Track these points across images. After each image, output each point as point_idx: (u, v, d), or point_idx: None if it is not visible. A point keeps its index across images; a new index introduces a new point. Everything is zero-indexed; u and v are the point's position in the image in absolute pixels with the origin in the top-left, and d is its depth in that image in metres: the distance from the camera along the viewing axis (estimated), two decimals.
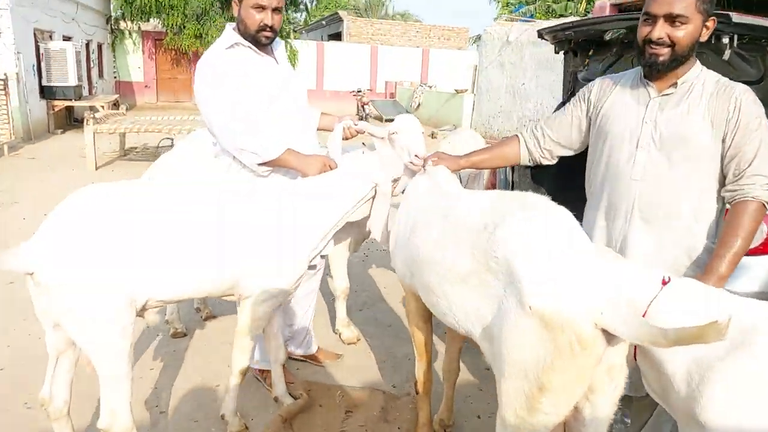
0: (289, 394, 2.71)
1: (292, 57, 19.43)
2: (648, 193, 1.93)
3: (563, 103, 3.44)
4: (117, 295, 1.88)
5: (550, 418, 1.45)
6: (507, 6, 23.14)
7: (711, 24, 1.85)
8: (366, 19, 25.27)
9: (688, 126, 1.86)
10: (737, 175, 1.82)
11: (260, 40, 2.44)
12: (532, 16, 19.95)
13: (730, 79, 2.45)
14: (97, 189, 1.98)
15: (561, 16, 17.64)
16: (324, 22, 26.20)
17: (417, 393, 2.36)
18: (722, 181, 1.89)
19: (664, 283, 1.56)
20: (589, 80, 3.23)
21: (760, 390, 1.35)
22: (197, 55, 19.34)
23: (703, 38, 1.86)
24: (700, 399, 1.43)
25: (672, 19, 1.79)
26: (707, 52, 2.49)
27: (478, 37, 26.49)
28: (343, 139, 2.76)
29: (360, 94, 18.64)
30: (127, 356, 1.95)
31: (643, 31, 1.86)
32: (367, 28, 24.14)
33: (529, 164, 2.29)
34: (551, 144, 2.21)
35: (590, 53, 3.13)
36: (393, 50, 22.15)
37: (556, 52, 3.31)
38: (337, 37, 24.82)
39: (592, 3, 18.90)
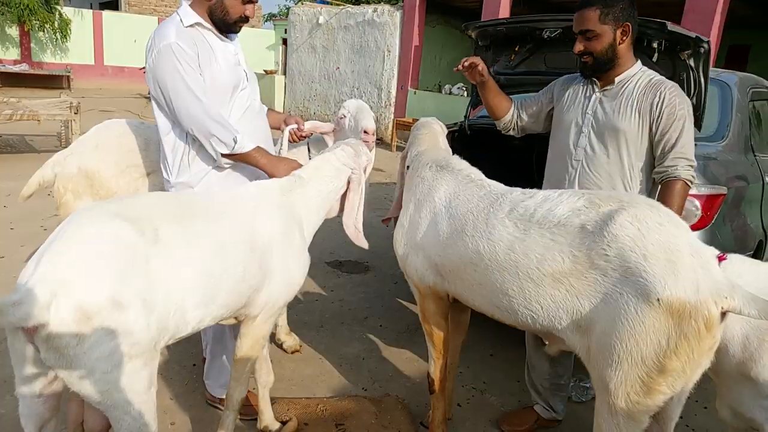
0: (276, 419, 2.46)
1: (64, 27, 16.79)
2: (585, 171, 2.31)
3: (475, 94, 3.63)
4: (149, 337, 1.51)
5: (663, 397, 1.58)
6: None
7: (627, 29, 2.21)
8: None
9: (618, 117, 2.23)
10: (663, 157, 2.20)
11: (236, 29, 2.30)
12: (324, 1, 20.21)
13: None
14: (102, 212, 1.55)
15: (358, 1, 18.18)
16: None
17: (432, 392, 2.32)
18: (652, 162, 2.27)
19: (721, 259, 1.80)
20: (501, 73, 3.53)
21: None
22: None
23: (623, 42, 2.22)
24: (759, 359, 1.69)
25: (585, 34, 2.21)
26: (639, 53, 2.87)
27: (272, 15, 25.99)
28: (289, 142, 2.62)
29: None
30: (154, 410, 1.59)
31: (574, 47, 2.28)
32: None
33: (504, 126, 2.64)
34: (523, 120, 2.61)
35: (516, 48, 3.32)
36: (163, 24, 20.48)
37: (477, 46, 3.43)
38: (110, 6, 22.02)
39: None
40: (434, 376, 2.29)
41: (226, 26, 2.24)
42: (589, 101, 2.32)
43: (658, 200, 2.14)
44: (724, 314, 1.52)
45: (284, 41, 15.96)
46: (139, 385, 1.52)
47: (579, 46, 2.24)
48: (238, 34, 2.38)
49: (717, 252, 1.83)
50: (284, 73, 14.99)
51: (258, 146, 2.23)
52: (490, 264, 1.83)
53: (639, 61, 2.32)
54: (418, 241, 2.14)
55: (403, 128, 10.52)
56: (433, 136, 2.48)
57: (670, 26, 2.62)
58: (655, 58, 2.81)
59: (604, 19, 2.17)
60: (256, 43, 20.38)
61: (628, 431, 1.61)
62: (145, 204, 1.69)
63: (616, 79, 2.26)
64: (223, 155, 2.19)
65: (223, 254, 1.77)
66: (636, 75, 2.27)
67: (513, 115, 2.60)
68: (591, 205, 1.70)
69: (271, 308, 2.02)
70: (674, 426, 1.82)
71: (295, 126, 2.67)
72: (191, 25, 2.17)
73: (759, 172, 3.28)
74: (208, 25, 2.21)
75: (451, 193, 2.09)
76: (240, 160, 2.25)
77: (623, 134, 2.23)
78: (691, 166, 2.17)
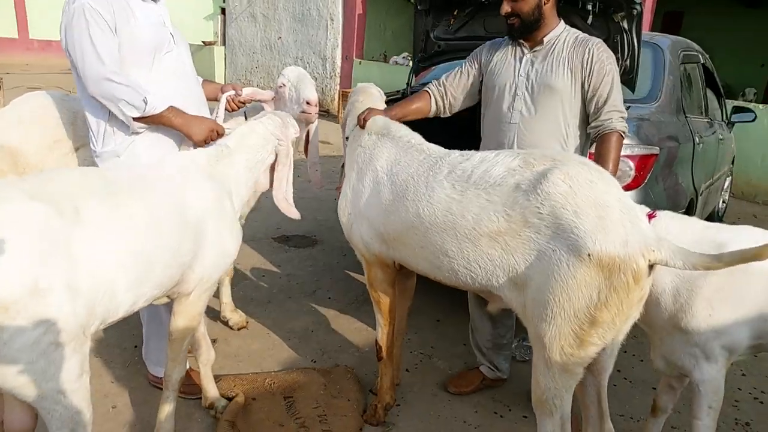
0: (222, 396, 2.43)
1: None
2: (523, 133, 2.33)
3: (417, 60, 3.59)
4: (77, 321, 1.43)
5: (596, 349, 1.64)
6: None
7: None
8: None
9: (551, 76, 2.28)
10: (597, 112, 2.26)
11: None
12: None
13: None
14: (14, 193, 1.42)
15: None
16: None
17: (380, 359, 2.32)
18: (585, 119, 2.34)
19: (651, 216, 1.86)
20: (441, 39, 3.50)
21: (733, 297, 1.74)
22: None
23: (548, 2, 2.25)
24: (688, 310, 1.76)
25: None
26: (574, 16, 2.89)
27: None
28: (226, 110, 2.52)
29: None
30: (87, 398, 1.52)
31: (501, 8, 2.29)
32: None
33: (433, 116, 2.56)
34: (452, 99, 2.54)
35: (455, 13, 3.28)
36: None
37: (417, 11, 3.37)
38: None
39: None
40: (382, 343, 2.30)
41: None
42: (521, 63, 2.34)
43: (596, 153, 2.25)
44: (651, 267, 1.57)
45: (222, 10, 15.36)
46: (69, 373, 1.44)
47: (506, 8, 2.25)
48: None
49: (647, 209, 1.90)
50: (224, 44, 14.47)
51: (171, 106, 2.12)
52: (431, 227, 1.84)
53: (562, 20, 2.36)
54: (361, 209, 2.12)
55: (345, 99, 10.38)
56: (371, 102, 2.44)
57: None
58: (589, 20, 2.84)
59: None
60: (193, 12, 19.54)
61: (564, 383, 1.66)
62: (63, 181, 1.57)
63: (545, 39, 2.29)
64: (135, 119, 2.09)
65: (154, 231, 1.69)
66: (562, 34, 2.31)
67: (436, 105, 2.54)
68: (525, 164, 1.71)
69: (205, 284, 1.96)
70: (608, 377, 1.89)
71: (232, 92, 2.55)
72: None
73: (690, 133, 3.40)
74: None
75: (392, 159, 2.07)
76: (153, 123, 2.14)
77: (558, 93, 2.27)
78: (623, 117, 2.25)
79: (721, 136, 4.43)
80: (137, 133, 2.17)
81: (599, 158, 2.23)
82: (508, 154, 1.79)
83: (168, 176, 1.88)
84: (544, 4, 2.24)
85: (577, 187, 1.60)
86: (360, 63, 11.32)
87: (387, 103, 3.60)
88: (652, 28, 8.34)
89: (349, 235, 2.22)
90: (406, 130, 2.18)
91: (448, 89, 2.53)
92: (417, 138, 2.14)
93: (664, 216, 1.89)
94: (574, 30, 2.35)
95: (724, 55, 9.91)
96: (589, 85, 2.24)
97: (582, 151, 2.40)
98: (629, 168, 2.72)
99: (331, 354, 2.91)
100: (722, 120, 4.87)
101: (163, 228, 1.71)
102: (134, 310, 1.70)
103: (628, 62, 2.84)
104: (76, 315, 1.42)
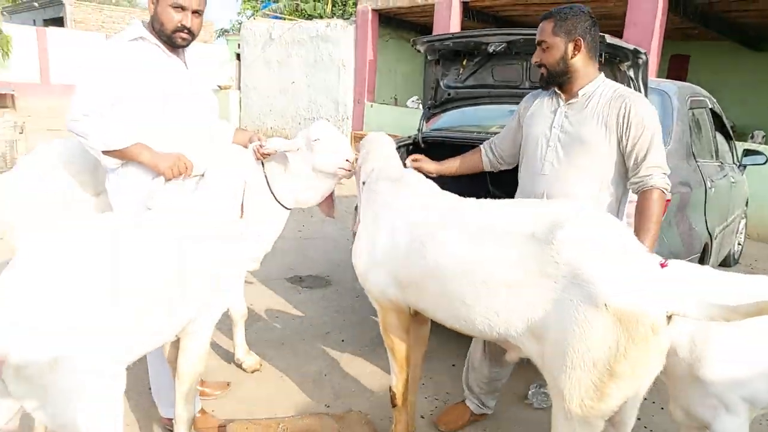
0: None
1: (5, 44, 16.22)
2: (552, 184, 2.31)
3: (428, 107, 3.69)
4: (112, 361, 1.53)
5: (616, 402, 1.62)
6: (248, 1, 22.87)
7: (578, 44, 2.25)
8: (94, 4, 22.27)
9: (585, 130, 2.25)
10: (636, 168, 2.21)
11: (176, 41, 2.24)
12: (276, 16, 20.17)
13: None
14: (68, 231, 1.59)
15: (310, 16, 18.21)
16: (37, 4, 22.31)
17: (394, 406, 2.31)
18: (621, 172, 2.29)
19: (663, 266, 1.86)
20: (451, 87, 3.59)
21: (749, 349, 1.74)
22: None
23: (575, 56, 2.26)
24: (704, 359, 1.76)
25: (540, 45, 2.28)
26: None
27: (225, 31, 25.75)
28: (257, 159, 2.59)
29: None
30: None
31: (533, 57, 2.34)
32: (96, 14, 21.39)
33: (491, 170, 2.67)
34: (501, 152, 2.63)
35: (464, 62, 3.39)
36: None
37: (427, 60, 3.48)
38: (55, 22, 21.40)
39: (337, 5, 19.99)
40: (396, 390, 2.29)
41: (167, 38, 2.22)
42: (555, 115, 2.34)
43: (636, 210, 2.20)
44: (669, 317, 1.57)
45: (238, 56, 15.83)
46: (105, 409, 1.51)
47: (535, 57, 2.32)
48: (190, 49, 2.37)
49: (660, 259, 1.91)
50: (239, 89, 14.85)
51: (138, 143, 2.20)
52: (448, 275, 1.85)
53: (602, 74, 2.34)
54: (377, 255, 2.14)
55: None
56: (384, 150, 2.50)
57: (609, 39, 2.72)
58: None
59: (556, 32, 2.22)
60: (210, 58, 20.14)
61: None
62: (101, 229, 1.67)
63: (580, 92, 2.28)
64: (105, 153, 2.18)
65: (175, 282, 1.79)
66: (600, 87, 2.29)
67: (488, 158, 2.65)
68: (540, 214, 1.74)
69: (207, 323, 2.06)
70: (630, 430, 1.87)
71: (257, 143, 2.60)
72: (134, 39, 2.19)
73: (701, 177, 3.43)
74: (153, 39, 2.22)
75: (407, 206, 2.10)
76: (122, 157, 2.23)
77: (590, 146, 2.24)
78: (665, 173, 2.20)
79: (733, 179, 4.46)
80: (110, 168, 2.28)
81: (640, 215, 2.18)
82: (522, 203, 1.83)
83: (177, 231, 1.97)
84: (571, 57, 2.24)
85: (592, 237, 1.61)
86: (371, 106, 11.55)
87: (398, 149, 3.70)
88: (659, 71, 8.48)
89: (364, 281, 2.23)
90: (420, 178, 2.23)
91: (497, 144, 2.64)
92: (431, 185, 2.18)
93: (676, 265, 1.90)
94: (615, 84, 2.33)
95: (731, 97, 10.01)
96: (627, 140, 2.19)
97: (618, 205, 2.35)
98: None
99: (345, 398, 2.89)
100: (733, 163, 4.89)
101: (180, 278, 1.82)
102: (154, 348, 1.77)
103: None
104: (114, 356, 1.50)
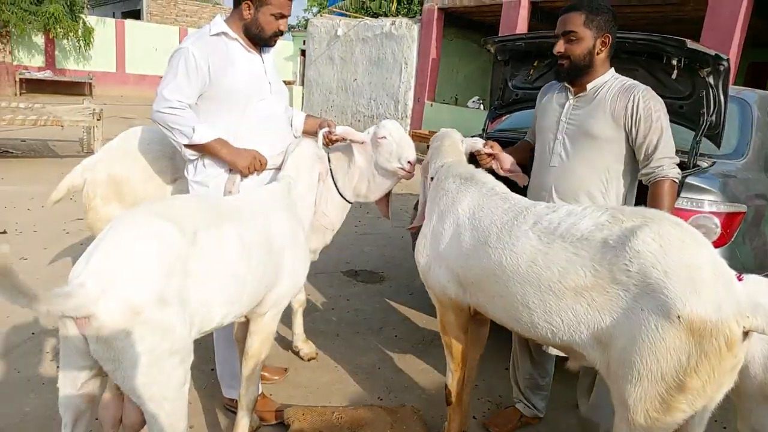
0: (281, 422, 2.53)
1: (87, 36, 17.14)
2: (560, 176, 2.34)
3: (494, 107, 3.68)
4: (186, 332, 1.61)
5: (682, 416, 1.58)
6: None
7: (607, 40, 2.23)
8: None
9: (592, 122, 2.25)
10: (647, 159, 2.19)
11: (271, 43, 2.43)
12: (342, 13, 20.41)
13: (663, 94, 2.91)
14: (148, 214, 1.67)
15: (375, 13, 18.36)
16: None
17: (449, 404, 2.33)
18: (629, 164, 2.28)
19: (739, 279, 1.80)
20: (519, 87, 3.56)
21: None
22: None
23: (601, 53, 2.24)
24: None
25: (567, 36, 2.23)
26: (658, 71, 2.89)
27: (291, 27, 26.27)
28: (324, 145, 2.64)
29: None
30: (185, 407, 1.68)
31: (554, 47, 2.29)
32: (171, 8, 22.30)
33: None
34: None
35: (535, 63, 3.35)
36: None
37: (496, 61, 3.47)
38: (133, 15, 22.45)
39: (402, 3, 20.05)
40: (452, 388, 2.31)
41: (262, 41, 2.37)
42: (563, 108, 2.36)
43: (649, 200, 2.20)
44: (746, 334, 1.52)
45: (302, 52, 16.15)
46: (176, 381, 1.61)
47: (559, 47, 2.25)
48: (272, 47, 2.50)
49: (734, 273, 1.84)
50: (302, 84, 15.14)
51: (219, 138, 2.31)
52: (512, 276, 1.84)
53: (612, 69, 2.32)
54: (441, 252, 2.15)
55: (419, 140, 10.55)
56: (455, 147, 2.52)
57: (690, 44, 2.63)
58: (674, 75, 2.83)
59: (588, 24, 2.19)
60: (275, 53, 20.62)
61: None
62: (183, 207, 1.79)
63: (588, 86, 2.29)
64: (186, 146, 2.30)
65: (248, 256, 1.88)
66: (608, 81, 2.29)
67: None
68: (614, 220, 1.70)
69: (279, 305, 2.15)
70: None
71: (326, 129, 2.66)
72: (216, 34, 2.31)
73: None
74: (234, 35, 2.33)
75: (475, 205, 2.10)
76: (202, 151, 2.34)
77: (597, 139, 2.25)
78: (675, 163, 2.19)
79: None
80: (231, 171, 2.39)
81: (652, 205, 2.17)
82: (596, 208, 1.79)
83: (257, 207, 2.06)
84: (597, 53, 2.23)
85: (668, 246, 1.57)
86: (431, 105, 11.54)
87: None
88: (737, 79, 8.09)
89: (426, 277, 2.26)
90: (490, 178, 2.23)
91: (530, 138, 2.65)
92: (501, 186, 2.17)
93: (752, 279, 1.82)
94: (624, 78, 2.31)
95: None
96: (637, 133, 2.19)
97: (625, 197, 2.34)
98: (715, 225, 2.65)
99: (398, 393, 2.93)
100: None
101: (254, 253, 1.90)
102: (222, 325, 1.87)
103: (714, 118, 2.79)
104: (186, 327, 1.59)
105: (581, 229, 1.73)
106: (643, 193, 2.33)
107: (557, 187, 2.33)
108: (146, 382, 1.53)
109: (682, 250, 1.57)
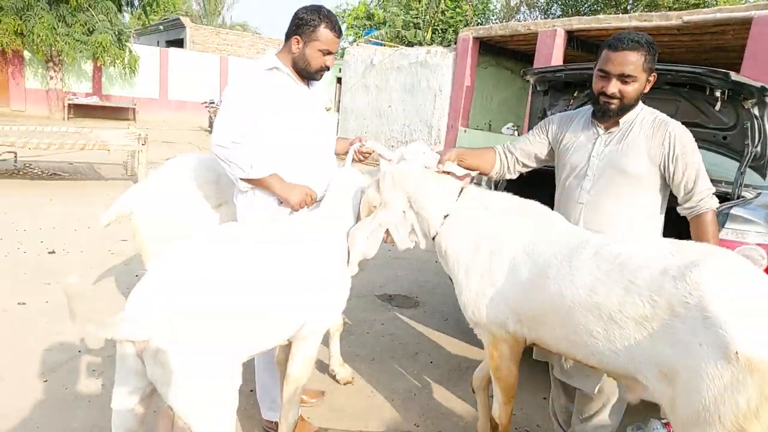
0: None
1: (133, 63, 17.86)
2: (590, 213, 2.28)
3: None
4: (233, 356, 1.69)
5: None
6: (351, 28, 23.77)
7: (653, 78, 2.18)
8: (211, 28, 24.14)
9: (625, 160, 2.20)
10: (689, 194, 2.17)
11: (317, 78, 2.53)
12: (377, 42, 20.80)
13: (708, 126, 2.88)
14: (202, 241, 1.78)
15: (410, 43, 18.67)
16: (162, 27, 24.45)
17: None
18: (659, 199, 2.25)
19: None
20: None
21: None
22: (18, 54, 16.83)
23: (646, 90, 2.18)
24: None
25: (624, 77, 2.10)
26: (701, 102, 2.89)
27: None
28: (355, 161, 2.70)
29: (212, 105, 17.81)
30: (233, 423, 1.74)
31: (598, 84, 2.18)
32: (213, 37, 23.09)
33: (496, 176, 2.57)
34: (515, 163, 2.53)
35: (575, 94, 3.38)
36: (244, 62, 21.52)
37: (535, 91, 3.51)
38: (176, 44, 23.33)
39: (437, 33, 20.30)
40: (500, 421, 2.22)
41: (309, 75, 2.48)
42: (593, 145, 2.28)
43: (694, 234, 2.18)
44: None
45: (339, 80, 16.48)
46: (225, 403, 1.67)
47: (612, 88, 2.13)
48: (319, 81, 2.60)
49: None
50: (337, 110, 15.44)
51: (274, 174, 2.41)
52: (573, 306, 1.80)
53: (641, 101, 2.25)
54: (497, 283, 2.06)
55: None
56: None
57: (734, 76, 2.64)
58: (717, 107, 2.83)
59: (644, 66, 2.10)
60: (320, 89, 21.11)
61: None
62: (235, 235, 1.88)
63: (620, 121, 2.22)
64: (241, 179, 2.40)
65: (294, 281, 1.95)
66: (639, 115, 2.23)
67: (500, 160, 2.52)
68: (675, 251, 1.69)
69: (319, 329, 2.19)
70: None
71: (358, 144, 2.71)
72: (269, 69, 2.41)
73: None
74: (286, 70, 2.44)
75: (531, 239, 2.03)
76: (257, 185, 2.44)
77: (630, 176, 2.20)
78: (713, 194, 2.18)
79: None
80: (240, 191, 2.49)
81: (699, 236, 2.17)
82: (657, 240, 1.79)
83: (301, 235, 2.14)
84: (643, 92, 2.17)
85: (729, 280, 1.55)
86: (465, 131, 11.60)
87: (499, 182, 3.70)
88: None
89: (479, 315, 2.13)
90: (542, 207, 2.18)
91: (515, 153, 2.51)
92: (559, 216, 2.15)
93: None
94: (651, 109, 2.26)
95: None
96: (675, 170, 2.15)
97: (655, 233, 2.29)
98: (761, 257, 2.60)
99: (434, 420, 2.92)
100: None
101: (300, 282, 1.98)
102: (268, 349, 1.96)
103: (759, 149, 2.77)
104: (236, 350, 1.69)
105: (641, 257, 1.72)
106: (668, 227, 2.32)
107: (586, 224, 2.25)
108: (197, 404, 1.60)
109: (742, 285, 1.55)
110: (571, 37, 9.80)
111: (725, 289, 1.53)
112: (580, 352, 1.86)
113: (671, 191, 2.24)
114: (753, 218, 2.63)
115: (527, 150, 2.50)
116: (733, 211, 2.62)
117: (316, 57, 2.40)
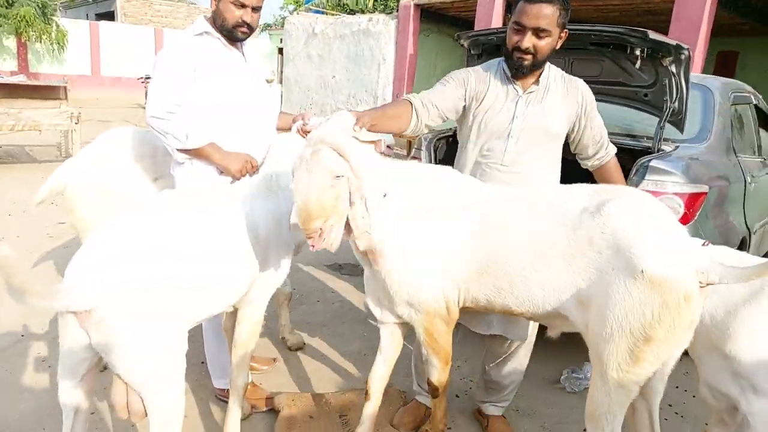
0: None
1: (61, 38, 16.91)
2: (516, 175, 2.29)
3: None
4: (182, 322, 1.73)
5: (651, 367, 1.72)
6: None
7: (564, 35, 2.21)
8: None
9: (548, 119, 2.27)
10: (598, 145, 2.37)
11: (236, 35, 2.42)
12: (319, 11, 20.40)
13: (630, 84, 3.04)
14: (140, 212, 1.79)
15: (352, 10, 18.39)
16: None
17: (435, 397, 2.30)
18: (560, 154, 2.37)
19: (704, 245, 1.97)
20: None
21: None
22: None
23: (557, 47, 2.21)
24: (726, 331, 1.85)
25: (538, 32, 2.10)
26: (623, 60, 3.03)
27: (268, 25, 26.20)
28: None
29: (148, 80, 17.11)
30: (182, 396, 1.76)
31: (513, 38, 2.16)
32: (145, 8, 22.07)
33: (412, 133, 2.34)
34: (434, 115, 2.29)
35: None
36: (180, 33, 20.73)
37: (470, 55, 3.58)
38: (107, 16, 22.19)
39: (379, 0, 20.06)
40: (438, 384, 2.23)
41: (227, 32, 2.40)
42: (515, 105, 2.26)
43: (605, 177, 2.39)
44: (702, 289, 1.66)
45: (280, 51, 16.15)
46: (172, 369, 1.70)
47: (526, 42, 2.11)
48: (248, 42, 2.55)
49: (702, 240, 2.01)
50: (280, 82, 15.15)
51: (211, 143, 2.39)
52: (512, 254, 1.88)
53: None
54: (438, 260, 2.00)
55: (399, 135, 10.67)
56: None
57: (652, 35, 2.78)
58: (638, 65, 2.98)
59: (558, 21, 2.10)
60: (254, 53, 20.56)
61: (618, 399, 1.74)
62: (172, 202, 1.89)
63: (540, 80, 2.25)
64: (178, 150, 2.38)
65: (236, 245, 1.98)
66: (551, 73, 2.28)
67: (416, 115, 2.26)
68: (594, 193, 1.85)
69: (265, 293, 2.23)
70: (659, 399, 1.95)
71: (301, 122, 2.62)
72: (199, 34, 2.39)
73: (741, 172, 3.43)
74: (216, 35, 2.41)
75: (463, 203, 2.03)
76: (195, 156, 2.42)
77: (551, 136, 2.30)
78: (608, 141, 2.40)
79: None
80: (177, 162, 2.46)
81: (614, 180, 2.39)
82: (579, 187, 1.92)
83: (240, 199, 2.15)
84: (555, 48, 2.17)
85: (637, 213, 1.72)
86: None
87: (438, 141, 3.79)
88: (705, 68, 8.32)
89: (415, 295, 2.04)
90: (459, 174, 2.21)
91: (438, 107, 2.28)
92: (476, 180, 2.20)
93: (716, 248, 1.98)
94: (555, 67, 2.32)
95: None
96: (587, 123, 2.31)
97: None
98: (678, 205, 2.79)
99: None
100: None
101: (243, 244, 2.01)
102: (213, 314, 1.99)
103: (676, 104, 2.94)
104: (180, 315, 1.73)
105: (566, 202, 1.87)
106: None
107: (508, 185, 2.22)
108: (144, 372, 1.62)
109: (648, 216, 1.73)
110: (510, 2, 9.91)
111: (634, 221, 1.71)
112: (512, 301, 1.96)
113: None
114: (671, 170, 2.81)
115: (448, 104, 2.31)
116: (652, 163, 2.80)
117: (230, 10, 2.33)
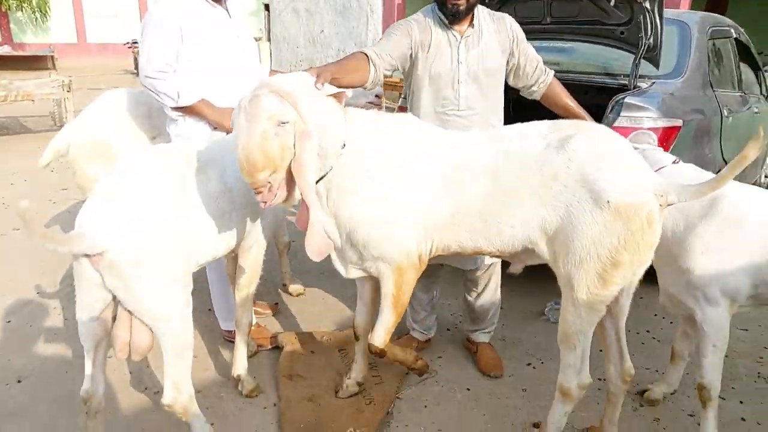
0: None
1: (43, 6, 16.61)
2: (470, 119, 2.41)
3: None
4: (186, 262, 1.89)
5: (617, 288, 1.87)
6: None
7: None
8: None
9: (489, 59, 2.38)
10: (535, 70, 2.48)
11: None
12: None
13: (607, 23, 3.12)
14: (146, 155, 1.97)
15: None
16: None
17: (383, 356, 2.26)
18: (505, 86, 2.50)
19: (675, 162, 2.14)
20: None
21: (725, 236, 1.99)
22: None
23: None
24: (683, 243, 2.03)
25: None
26: None
27: None
28: None
29: (135, 45, 16.92)
30: (191, 325, 1.95)
31: None
32: None
33: (368, 87, 2.27)
34: (387, 64, 2.30)
35: (486, 1, 3.51)
36: None
37: None
38: None
39: None
40: (383, 344, 2.18)
41: None
42: (457, 50, 2.34)
43: (554, 98, 2.52)
44: (662, 209, 1.81)
45: (267, 7, 15.88)
46: (181, 303, 1.87)
47: None
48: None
49: (673, 157, 2.16)
50: (269, 40, 14.97)
51: (203, 99, 2.49)
52: (486, 197, 1.94)
53: None
54: (414, 211, 2.00)
55: (391, 88, 10.63)
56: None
57: None
58: (613, 2, 3.05)
59: None
60: (238, 9, 20.16)
61: (588, 320, 1.90)
62: (171, 154, 2.03)
63: (474, 23, 2.34)
64: (172, 108, 2.49)
65: (230, 194, 2.11)
66: (480, 14, 2.38)
67: (375, 71, 2.26)
68: (555, 129, 1.95)
69: (262, 238, 2.37)
70: (625, 318, 2.10)
71: None
72: None
73: (717, 106, 3.52)
74: None
75: (424, 153, 2.03)
76: (189, 113, 2.53)
77: (496, 73, 2.41)
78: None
79: (757, 110, 4.49)
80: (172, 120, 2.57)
81: (566, 98, 2.50)
82: (537, 123, 2.01)
83: (232, 151, 2.26)
84: None
85: (598, 146, 1.84)
86: None
87: None
88: (695, 5, 8.25)
89: (390, 247, 2.00)
90: (421, 123, 2.20)
91: (387, 54, 2.29)
92: (436, 128, 2.21)
93: (684, 165, 2.14)
94: (482, 7, 2.42)
95: None
96: (520, 53, 2.43)
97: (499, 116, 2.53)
98: (652, 140, 2.91)
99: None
100: (762, 94, 4.89)
101: (235, 192, 2.12)
102: (215, 258, 2.17)
103: (651, 40, 3.02)
104: (185, 257, 1.91)
105: (529, 138, 1.96)
106: None
107: (465, 130, 2.30)
108: (155, 305, 1.80)
109: (608, 148, 1.85)
110: None
111: (596, 155, 1.83)
112: (483, 243, 2.03)
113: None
114: (646, 105, 2.92)
115: (398, 52, 2.32)
116: (627, 100, 2.90)
117: None
